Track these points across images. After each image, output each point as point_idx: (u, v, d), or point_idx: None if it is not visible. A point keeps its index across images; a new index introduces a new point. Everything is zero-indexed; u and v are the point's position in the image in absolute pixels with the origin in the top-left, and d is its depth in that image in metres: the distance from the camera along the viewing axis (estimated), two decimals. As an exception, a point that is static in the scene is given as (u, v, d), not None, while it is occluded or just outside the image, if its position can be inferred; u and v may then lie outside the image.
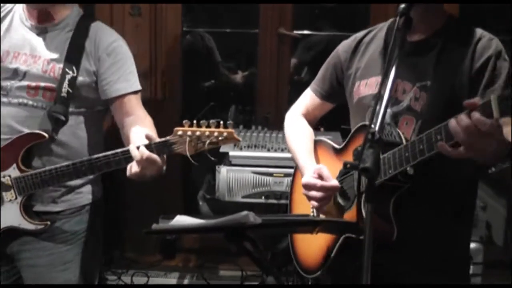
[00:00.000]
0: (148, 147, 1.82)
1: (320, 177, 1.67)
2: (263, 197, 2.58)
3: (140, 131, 1.95)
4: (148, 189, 3.23)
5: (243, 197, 2.59)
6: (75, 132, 2.08)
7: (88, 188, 2.15)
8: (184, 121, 1.78)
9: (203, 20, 3.65)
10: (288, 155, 2.53)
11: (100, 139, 2.19)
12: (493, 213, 3.31)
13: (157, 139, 1.84)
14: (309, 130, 1.94)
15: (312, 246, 1.75)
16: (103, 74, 2.08)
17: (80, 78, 2.04)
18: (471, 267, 2.74)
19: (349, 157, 1.55)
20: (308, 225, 1.45)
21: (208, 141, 1.76)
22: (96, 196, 2.19)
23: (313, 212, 1.76)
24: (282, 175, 2.55)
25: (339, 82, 1.84)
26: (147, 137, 1.83)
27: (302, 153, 1.85)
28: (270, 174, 2.58)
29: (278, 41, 3.24)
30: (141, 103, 2.14)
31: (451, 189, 1.61)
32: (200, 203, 2.75)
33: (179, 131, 1.78)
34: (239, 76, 3.72)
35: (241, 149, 2.65)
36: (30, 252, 2.06)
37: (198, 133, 1.76)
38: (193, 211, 3.16)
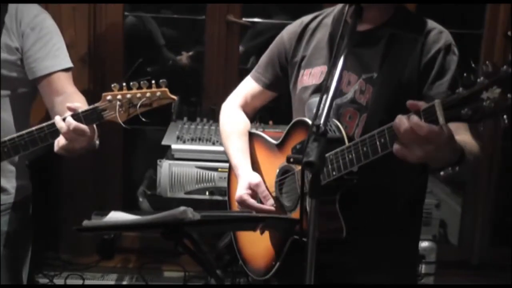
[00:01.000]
0: (75, 116, 1.75)
1: (254, 192, 1.68)
2: (207, 193, 2.58)
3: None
4: (84, 184, 3.23)
5: (186, 193, 2.59)
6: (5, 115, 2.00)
7: (14, 183, 2.09)
8: (112, 85, 1.73)
9: (145, 5, 3.61)
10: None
11: (27, 126, 2.08)
12: (448, 211, 3.40)
13: (83, 108, 1.77)
14: (246, 126, 1.92)
15: (259, 247, 1.76)
16: (29, 51, 2.01)
17: (1, 56, 1.97)
18: (423, 266, 2.81)
19: (287, 153, 1.54)
20: (251, 221, 1.46)
21: (139, 103, 1.71)
22: (24, 193, 2.13)
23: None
24: (227, 170, 2.55)
25: (283, 69, 1.83)
26: (70, 109, 1.76)
27: (236, 152, 1.85)
28: (215, 169, 2.58)
29: (226, 29, 3.23)
30: (72, 81, 2.08)
31: (399, 183, 1.64)
32: (140, 199, 2.73)
33: (108, 95, 1.73)
34: (184, 57, 3.70)
35: (184, 142, 2.64)
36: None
37: (128, 95, 1.71)
38: (132, 208, 3.14)
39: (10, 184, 2.07)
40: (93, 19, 3.13)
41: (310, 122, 1.42)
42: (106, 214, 1.48)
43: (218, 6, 3.22)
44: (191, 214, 1.33)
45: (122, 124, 1.75)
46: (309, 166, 1.28)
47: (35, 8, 2.06)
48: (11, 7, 2.01)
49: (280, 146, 1.76)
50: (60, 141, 1.79)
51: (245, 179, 1.75)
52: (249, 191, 1.71)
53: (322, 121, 1.35)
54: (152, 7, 3.73)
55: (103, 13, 3.16)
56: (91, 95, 2.06)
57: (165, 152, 2.65)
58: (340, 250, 1.58)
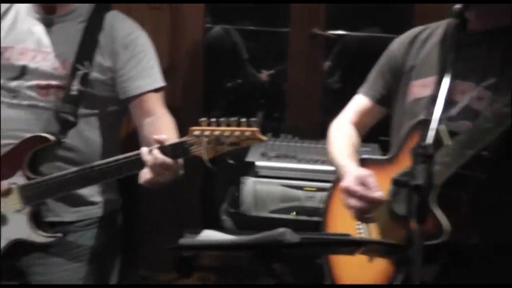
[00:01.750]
0: (162, 150, 1.77)
1: (363, 185, 1.62)
2: (293, 213, 2.57)
3: (160, 132, 1.89)
4: (164, 201, 3.26)
5: (271, 212, 2.57)
6: (85, 136, 2.07)
7: (104, 197, 2.14)
8: (200, 120, 1.74)
9: (228, 16, 3.65)
10: (321, 167, 2.56)
11: (116, 144, 2.17)
12: None
13: (171, 141, 1.80)
14: (356, 139, 1.89)
15: (362, 275, 1.68)
16: (120, 70, 2.05)
17: (93, 75, 2.01)
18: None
19: (403, 164, 1.50)
20: (353, 244, 1.44)
21: (228, 142, 1.71)
22: (113, 207, 2.19)
23: (359, 229, 1.75)
24: (314, 189, 2.53)
25: (395, 81, 1.80)
26: (157, 141, 1.79)
27: (343, 155, 1.80)
28: (301, 188, 2.56)
29: (310, 42, 3.24)
30: (163, 101, 2.11)
31: None
32: (223, 217, 2.73)
33: (196, 131, 1.74)
34: (264, 75, 3.71)
35: (269, 159, 2.64)
36: (41, 267, 2.07)
37: (217, 132, 1.71)
38: (213, 226, 3.14)
39: (98, 197, 2.13)
40: (173, 33, 3.16)
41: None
42: (199, 232, 1.50)
43: (302, 18, 3.22)
44: (290, 235, 1.34)
45: (208, 162, 1.75)
46: (416, 190, 1.26)
47: (129, 25, 2.10)
48: (106, 25, 2.06)
49: (393, 159, 1.71)
50: (145, 174, 1.83)
51: (353, 172, 1.68)
52: (357, 181, 1.64)
53: (429, 141, 1.33)
54: (233, 19, 3.75)
55: (184, 27, 3.19)
56: (170, 111, 2.10)
57: (248, 169, 2.64)
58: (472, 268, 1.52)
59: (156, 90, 2.10)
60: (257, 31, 3.72)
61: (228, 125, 1.71)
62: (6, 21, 2.10)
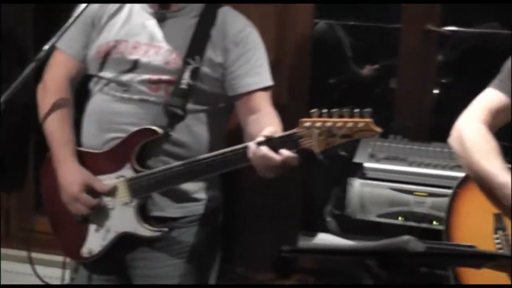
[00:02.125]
0: (270, 143, 1.75)
1: None
2: (400, 218, 2.48)
3: (264, 128, 1.87)
4: (265, 198, 3.23)
5: (378, 216, 2.50)
6: (193, 131, 2.07)
7: (208, 194, 2.15)
8: (311, 111, 1.70)
9: (334, 11, 3.58)
10: (433, 171, 2.46)
11: (222, 141, 2.17)
12: None
13: (278, 134, 1.76)
14: (495, 141, 1.77)
15: None
16: (231, 67, 2.05)
17: (203, 70, 2.02)
18: None
19: None
20: (482, 258, 1.35)
21: (340, 134, 1.66)
22: (216, 204, 2.20)
23: (497, 241, 1.63)
24: (425, 194, 2.44)
25: None
26: (266, 136, 1.76)
27: (491, 159, 1.69)
28: (411, 192, 2.47)
29: (423, 38, 3.11)
30: (270, 100, 2.10)
31: None
32: (328, 219, 2.69)
33: (306, 122, 1.71)
34: (367, 70, 3.63)
35: (378, 161, 2.56)
36: (144, 262, 2.09)
37: (328, 124, 1.67)
38: (315, 226, 3.11)
39: (202, 194, 2.13)
40: (281, 28, 3.12)
41: None
42: (314, 235, 1.45)
43: (415, 13, 3.11)
44: (414, 244, 1.26)
45: (319, 155, 1.70)
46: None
47: (241, 22, 2.11)
48: (219, 20, 2.07)
49: None
50: (256, 167, 1.81)
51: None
52: None
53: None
54: (340, 13, 3.69)
55: (291, 21, 3.14)
56: (276, 107, 2.08)
57: (353, 170, 2.57)
58: None
59: (264, 89, 2.10)
60: (364, 27, 3.64)
61: (341, 116, 1.67)
62: (121, 15, 2.14)
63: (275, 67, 3.04)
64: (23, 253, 2.27)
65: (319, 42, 3.39)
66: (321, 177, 3.52)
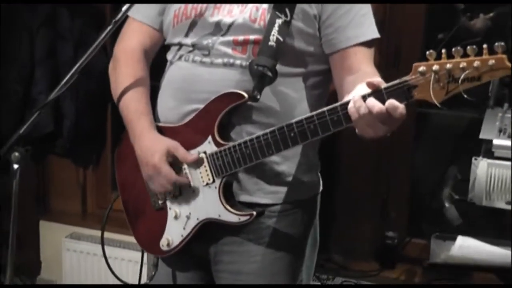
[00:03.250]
0: (376, 95, 1.49)
1: None
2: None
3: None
4: (365, 181, 3.01)
5: (507, 203, 2.23)
6: (284, 96, 1.84)
7: (306, 178, 1.91)
8: (428, 52, 1.43)
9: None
10: None
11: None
12: None
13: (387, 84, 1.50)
14: None
15: None
16: (329, 19, 1.81)
17: (295, 24, 1.79)
18: None
19: None
20: None
21: (464, 77, 1.39)
22: (317, 189, 1.97)
23: None
24: None
25: None
26: (371, 85, 1.51)
27: None
28: (551, 177, 2.19)
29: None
30: (372, 58, 1.84)
31: None
32: (446, 205, 2.41)
33: (420, 66, 1.44)
34: (479, 20, 3.28)
35: (509, 137, 2.26)
36: (231, 256, 1.87)
37: (448, 65, 1.40)
38: (423, 214, 2.85)
39: (299, 178, 1.89)
40: None
41: None
42: (449, 238, 1.17)
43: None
44: None
45: (439, 105, 1.45)
46: None
47: None
48: None
49: None
50: (357, 126, 1.55)
51: None
52: None
53: None
54: None
55: None
56: (383, 74, 1.77)
57: (477, 147, 2.30)
58: None
59: (368, 44, 1.83)
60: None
61: (465, 55, 1.39)
62: None
63: (387, 27, 2.86)
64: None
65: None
66: (432, 153, 3.24)
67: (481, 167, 2.24)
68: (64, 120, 3.16)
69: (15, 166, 1.76)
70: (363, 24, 1.83)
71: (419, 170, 3.18)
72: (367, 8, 1.85)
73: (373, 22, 1.85)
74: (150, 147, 1.85)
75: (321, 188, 1.98)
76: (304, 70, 1.86)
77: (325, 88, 1.95)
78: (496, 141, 2.25)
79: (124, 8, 1.81)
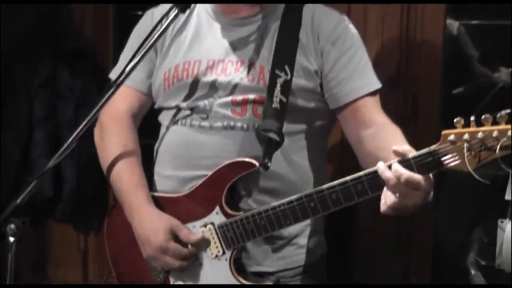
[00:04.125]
0: (405, 163, 1.51)
1: None
2: None
3: (389, 144, 1.63)
4: (378, 242, 2.96)
5: (540, 270, 2.17)
6: (291, 159, 1.86)
7: (313, 239, 1.93)
8: (455, 120, 1.48)
9: (472, 9, 3.27)
10: None
11: (325, 168, 1.97)
12: None
13: (416, 152, 1.54)
14: None
15: None
16: (331, 73, 1.84)
17: (296, 81, 1.80)
18: None
19: None
20: None
21: (499, 146, 1.43)
22: (322, 252, 1.98)
23: None
24: None
25: None
26: (397, 153, 1.53)
27: None
28: None
29: None
30: (380, 107, 1.87)
31: None
32: (472, 272, 2.34)
33: (450, 134, 1.48)
34: (503, 73, 3.30)
35: (537, 194, 2.22)
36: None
37: (480, 134, 1.44)
38: (449, 277, 2.78)
39: (305, 240, 1.91)
40: (405, 30, 2.88)
41: None
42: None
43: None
44: None
45: (475, 175, 1.48)
46: None
47: (334, 16, 1.89)
48: (306, 18, 1.86)
49: None
50: (387, 198, 1.55)
51: None
52: None
53: None
54: (468, 14, 3.38)
55: (418, 21, 2.88)
56: (401, 125, 1.83)
57: (503, 208, 2.24)
58: None
59: (374, 94, 1.86)
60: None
61: (495, 123, 1.45)
62: (187, 32, 1.94)
63: (402, 77, 2.88)
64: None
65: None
66: (456, 213, 3.20)
67: (509, 229, 2.18)
68: (64, 184, 3.15)
69: (11, 239, 1.71)
70: (366, 74, 1.86)
71: (442, 232, 3.12)
72: (366, 57, 1.88)
73: (373, 70, 1.89)
74: (152, 225, 1.83)
75: (326, 249, 1.99)
76: (307, 127, 1.88)
77: (325, 143, 2.00)
78: (523, 202, 2.20)
79: (128, 68, 1.77)
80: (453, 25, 3.25)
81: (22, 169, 3.13)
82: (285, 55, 1.81)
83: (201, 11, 1.95)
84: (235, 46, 1.86)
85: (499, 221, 2.21)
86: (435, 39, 2.91)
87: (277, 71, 1.79)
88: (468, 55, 3.37)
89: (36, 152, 3.12)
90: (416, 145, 1.62)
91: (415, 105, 2.89)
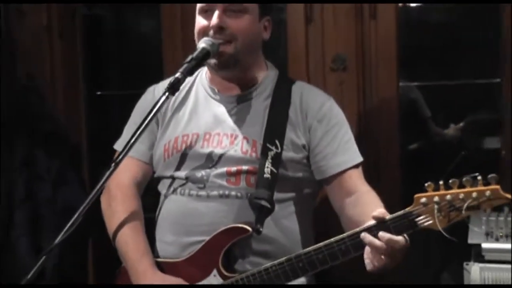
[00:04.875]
0: (383, 227, 1.70)
1: None
2: (532, 307, 2.29)
3: (368, 210, 1.82)
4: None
5: (508, 307, 2.30)
6: (282, 224, 2.02)
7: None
8: (426, 184, 1.68)
9: (423, 74, 3.53)
10: None
11: (312, 231, 2.13)
12: None
13: (392, 215, 1.72)
14: None
15: None
16: (317, 148, 2.03)
17: (285, 154, 1.98)
18: None
19: None
20: None
21: (465, 206, 1.63)
22: None
23: None
24: None
25: None
26: (376, 218, 1.72)
27: None
28: (542, 274, 2.28)
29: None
30: (363, 177, 2.06)
31: None
32: None
33: (422, 198, 1.68)
34: (452, 130, 3.54)
35: (497, 239, 2.41)
36: None
37: (448, 197, 1.65)
38: None
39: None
40: (362, 94, 3.08)
41: None
42: None
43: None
44: None
45: (443, 232, 1.68)
46: None
47: (320, 96, 2.10)
48: (295, 97, 2.05)
49: None
50: (372, 259, 1.73)
51: None
52: None
53: None
54: (418, 74, 3.63)
55: (373, 84, 3.09)
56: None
57: (466, 252, 2.42)
58: None
59: (356, 166, 2.07)
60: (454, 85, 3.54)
61: (461, 186, 1.64)
62: (187, 107, 2.13)
63: (361, 137, 3.01)
64: None
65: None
66: (422, 261, 3.37)
67: (474, 272, 2.34)
68: (47, 262, 3.21)
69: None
70: (349, 149, 2.06)
71: (410, 280, 3.28)
72: (350, 134, 2.08)
73: (355, 145, 2.09)
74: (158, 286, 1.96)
75: None
76: (295, 194, 2.05)
77: (311, 209, 2.16)
78: (485, 245, 2.37)
79: (125, 149, 1.87)
80: (410, 87, 3.50)
81: (2, 250, 3.20)
82: (276, 130, 2.00)
83: (199, 88, 2.14)
84: (230, 121, 2.04)
85: (464, 263, 2.37)
86: (391, 101, 3.11)
87: (268, 145, 1.97)
88: (424, 116, 3.62)
89: (16, 232, 3.16)
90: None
91: (377, 165, 3.05)
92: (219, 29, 1.98)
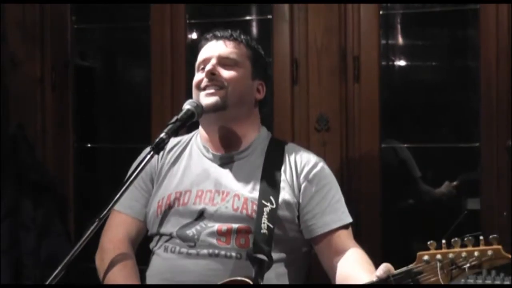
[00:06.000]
0: (385, 282, 1.77)
1: None
2: None
3: (358, 268, 1.93)
4: None
5: None
6: (277, 280, 2.09)
7: None
8: (429, 243, 1.75)
9: (397, 134, 3.62)
10: None
11: None
12: None
13: (395, 271, 1.80)
14: None
15: None
16: (307, 207, 2.12)
17: (280, 212, 2.08)
18: None
19: None
20: None
21: (467, 265, 1.70)
22: None
23: None
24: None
25: None
26: (380, 277, 1.78)
27: None
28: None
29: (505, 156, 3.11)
30: (352, 236, 2.15)
31: None
32: None
33: (425, 255, 1.75)
34: (444, 187, 3.62)
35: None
36: None
37: (451, 255, 1.72)
38: None
39: None
40: (345, 151, 3.19)
41: None
42: None
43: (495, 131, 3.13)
44: None
45: None
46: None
47: (311, 158, 2.20)
48: (287, 157, 2.16)
49: None
50: None
51: None
52: None
53: None
54: (404, 136, 3.73)
55: (356, 144, 3.21)
56: None
57: None
58: None
59: (345, 226, 2.15)
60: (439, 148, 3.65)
61: (463, 246, 1.72)
62: (180, 165, 2.23)
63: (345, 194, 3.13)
64: None
65: (383, 165, 3.41)
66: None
67: None
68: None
69: None
70: (338, 209, 2.15)
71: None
72: (339, 194, 2.18)
73: (345, 206, 2.17)
74: None
75: None
76: (286, 255, 2.13)
77: (304, 270, 2.25)
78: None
79: (110, 205, 1.98)
80: (401, 148, 3.57)
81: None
82: (270, 188, 2.09)
83: (193, 146, 2.24)
84: (222, 178, 2.14)
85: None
86: (373, 161, 3.23)
87: (263, 201, 2.06)
88: (414, 176, 3.68)
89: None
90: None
91: (358, 222, 3.05)
92: (211, 75, 2.13)
